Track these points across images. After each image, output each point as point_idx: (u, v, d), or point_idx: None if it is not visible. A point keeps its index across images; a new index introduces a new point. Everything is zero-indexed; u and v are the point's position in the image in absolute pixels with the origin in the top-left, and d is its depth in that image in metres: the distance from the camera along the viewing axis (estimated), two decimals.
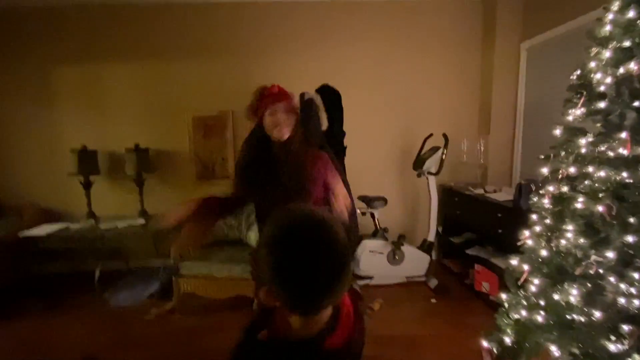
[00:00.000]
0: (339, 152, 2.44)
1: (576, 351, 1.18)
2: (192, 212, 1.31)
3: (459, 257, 3.09)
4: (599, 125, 1.25)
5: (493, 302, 1.93)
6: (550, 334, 1.27)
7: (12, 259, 2.78)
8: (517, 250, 1.50)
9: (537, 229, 1.42)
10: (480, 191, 2.84)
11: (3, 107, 3.23)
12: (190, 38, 3.23)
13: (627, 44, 1.14)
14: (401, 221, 3.45)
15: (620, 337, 1.04)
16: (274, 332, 0.65)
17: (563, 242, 1.25)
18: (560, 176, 1.29)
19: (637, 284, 1.05)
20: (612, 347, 1.05)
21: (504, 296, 1.53)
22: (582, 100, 1.24)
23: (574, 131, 1.28)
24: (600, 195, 1.14)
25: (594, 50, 1.26)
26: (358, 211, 2.92)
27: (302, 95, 2.12)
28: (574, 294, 1.18)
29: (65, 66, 3.22)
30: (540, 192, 1.41)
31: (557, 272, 1.29)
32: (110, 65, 3.23)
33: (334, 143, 2.19)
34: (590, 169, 1.19)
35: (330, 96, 2.45)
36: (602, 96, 1.21)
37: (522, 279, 1.41)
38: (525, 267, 1.42)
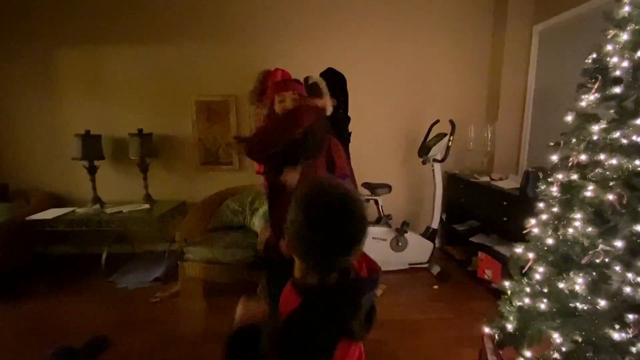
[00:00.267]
0: (344, 138, 2.42)
1: (579, 339, 1.17)
2: None
3: (462, 244, 3.09)
4: (612, 111, 1.21)
5: (495, 290, 1.94)
6: (553, 321, 1.27)
7: (20, 242, 2.83)
8: (522, 238, 1.49)
9: (544, 217, 1.40)
10: (486, 179, 2.81)
11: (7, 92, 3.22)
12: (193, 22, 3.17)
13: None
14: (405, 208, 3.44)
15: (624, 325, 1.04)
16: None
17: (570, 230, 1.23)
18: (570, 164, 1.26)
19: None
20: (616, 336, 1.04)
21: (507, 283, 1.53)
22: (596, 85, 1.20)
23: (587, 117, 1.24)
24: (611, 183, 1.11)
25: (611, 32, 1.20)
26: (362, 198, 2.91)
27: (306, 79, 2.08)
28: (579, 283, 1.17)
29: (68, 49, 3.19)
30: (549, 179, 1.38)
31: (563, 260, 1.28)
32: (113, 49, 3.19)
33: (338, 129, 2.17)
34: (602, 156, 1.15)
35: (335, 80, 2.41)
36: (617, 81, 1.16)
37: (527, 267, 1.41)
38: (530, 255, 1.41)
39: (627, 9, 1.15)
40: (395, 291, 2.65)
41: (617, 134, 1.15)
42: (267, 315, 0.81)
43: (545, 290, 1.35)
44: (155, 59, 3.22)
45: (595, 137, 1.20)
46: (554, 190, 1.35)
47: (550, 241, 1.34)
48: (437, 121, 3.03)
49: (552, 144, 1.39)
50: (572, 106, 1.32)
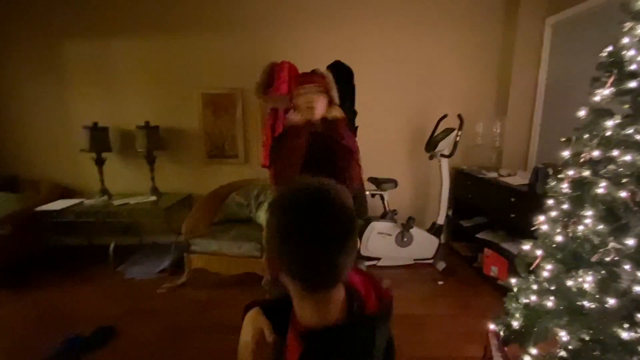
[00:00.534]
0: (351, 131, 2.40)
1: (586, 337, 1.16)
2: None
3: (468, 240, 3.08)
4: (627, 106, 1.18)
5: (501, 287, 1.93)
6: (560, 319, 1.26)
7: (30, 232, 2.89)
8: (530, 235, 1.47)
9: (553, 214, 1.38)
10: (494, 174, 2.78)
11: (17, 85, 3.26)
12: (200, 14, 3.15)
13: None
14: (411, 204, 3.43)
15: (634, 324, 1.02)
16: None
17: (580, 227, 1.21)
18: (582, 160, 1.24)
19: None
20: (625, 335, 1.03)
21: (513, 280, 1.52)
22: (611, 79, 1.17)
23: (600, 112, 1.21)
24: (624, 180, 1.09)
25: (628, 25, 1.17)
26: (367, 193, 2.91)
27: (313, 72, 2.07)
28: (588, 281, 1.16)
29: (77, 41, 3.20)
30: (559, 176, 1.36)
31: (572, 258, 1.26)
32: (121, 41, 3.20)
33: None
34: (615, 152, 1.13)
35: (343, 74, 2.39)
36: (633, 75, 1.13)
37: (535, 264, 1.39)
38: (539, 252, 1.39)
39: None
40: (400, 286, 2.65)
41: (631, 130, 1.12)
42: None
43: (553, 287, 1.33)
44: (162, 52, 3.22)
45: (608, 133, 1.18)
46: (565, 186, 1.33)
47: (559, 238, 1.32)
48: (445, 116, 2.99)
49: (564, 139, 1.36)
50: (585, 101, 1.30)
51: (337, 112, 1.45)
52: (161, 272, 2.83)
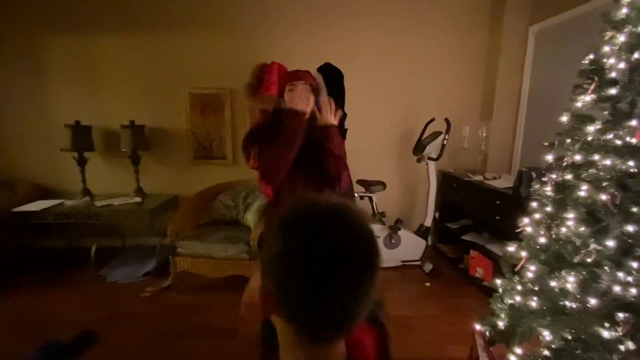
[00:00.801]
0: (341, 133, 2.41)
1: (568, 336, 1.19)
2: None
3: (454, 242, 3.12)
4: (606, 112, 1.22)
5: (486, 287, 1.96)
6: (543, 319, 1.29)
7: (7, 234, 2.77)
8: (514, 237, 1.51)
9: (537, 216, 1.42)
10: (479, 178, 2.83)
11: None
12: (188, 12, 3.11)
13: None
14: (399, 206, 3.46)
15: (614, 324, 1.05)
16: None
17: (563, 229, 1.25)
18: (564, 164, 1.27)
19: (635, 272, 1.05)
20: (606, 334, 1.06)
21: (498, 281, 1.55)
22: (592, 86, 1.21)
23: (582, 118, 1.25)
24: (605, 183, 1.12)
25: (609, 34, 1.21)
26: (356, 195, 2.92)
27: None
28: (570, 281, 1.19)
29: (58, 37, 3.10)
30: (543, 179, 1.40)
31: (555, 259, 1.30)
32: (106, 38, 3.12)
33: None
34: (596, 157, 1.17)
35: (333, 76, 2.39)
36: (613, 82, 1.17)
37: (519, 265, 1.42)
38: (523, 253, 1.43)
39: (624, 10, 1.16)
40: (388, 288, 2.66)
41: (611, 135, 1.16)
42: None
43: (537, 288, 1.36)
44: (149, 49, 3.16)
45: (590, 138, 1.22)
46: (548, 189, 1.37)
47: (542, 240, 1.36)
48: (433, 119, 3.03)
49: (547, 144, 1.40)
50: (567, 107, 1.34)
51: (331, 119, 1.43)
52: (145, 276, 2.76)
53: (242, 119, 3.25)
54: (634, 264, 1.06)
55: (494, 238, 2.65)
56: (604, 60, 1.20)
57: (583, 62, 1.27)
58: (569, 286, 1.20)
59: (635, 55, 1.11)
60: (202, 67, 3.18)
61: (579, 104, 1.27)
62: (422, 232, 3.03)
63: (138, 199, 3.02)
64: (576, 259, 1.18)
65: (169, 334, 2.07)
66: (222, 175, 3.23)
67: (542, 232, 1.37)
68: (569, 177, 1.27)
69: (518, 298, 1.41)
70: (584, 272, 1.18)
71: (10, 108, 3.18)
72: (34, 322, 2.16)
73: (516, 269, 1.46)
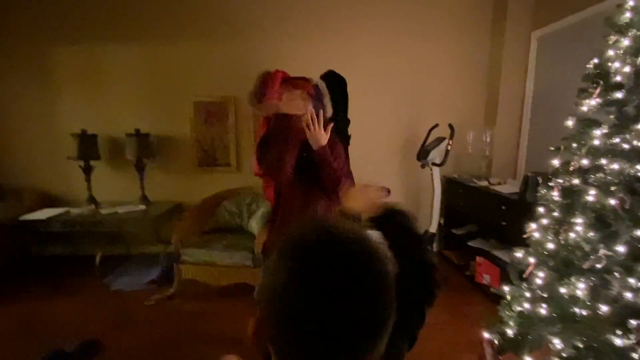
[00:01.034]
0: (344, 140, 2.41)
1: (579, 345, 1.17)
2: None
3: (460, 248, 3.09)
4: (612, 116, 1.21)
5: (493, 294, 1.93)
6: (553, 327, 1.26)
7: (13, 241, 2.79)
8: (521, 243, 1.49)
9: (544, 221, 1.40)
10: (484, 183, 2.82)
11: (3, 89, 3.19)
12: (192, 21, 3.16)
13: None
14: None
15: (626, 331, 1.03)
16: None
17: (572, 235, 1.23)
18: (571, 168, 1.26)
19: None
20: (618, 342, 1.04)
21: (506, 288, 1.52)
22: (598, 90, 1.20)
23: (588, 122, 1.24)
24: (613, 188, 1.11)
25: (613, 38, 1.21)
26: None
27: None
28: (580, 288, 1.17)
29: (66, 47, 3.16)
30: (550, 184, 1.38)
31: (564, 265, 1.28)
32: (111, 47, 3.17)
33: (338, 131, 2.16)
34: (604, 161, 1.16)
35: (336, 83, 2.40)
36: (618, 86, 1.17)
37: (527, 272, 1.40)
38: (531, 259, 1.41)
39: (628, 15, 1.16)
40: None
41: (617, 139, 1.15)
42: None
43: (546, 295, 1.34)
44: (153, 59, 3.20)
45: (596, 142, 1.21)
46: (555, 194, 1.36)
47: (550, 246, 1.34)
48: (436, 125, 3.03)
49: (553, 148, 1.39)
50: (572, 111, 1.33)
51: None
52: (149, 284, 2.76)
53: (245, 126, 3.27)
54: None
55: (501, 244, 2.63)
56: (609, 64, 1.19)
57: (587, 66, 1.27)
58: (579, 293, 1.18)
59: None
60: (206, 75, 3.22)
61: (584, 108, 1.27)
62: (427, 238, 3.00)
63: (143, 207, 3.04)
64: (586, 265, 1.16)
65: (174, 342, 2.05)
66: (226, 182, 3.24)
67: (550, 238, 1.35)
68: (576, 181, 1.26)
69: (527, 305, 1.39)
70: (593, 279, 1.16)
71: (18, 117, 3.23)
72: (39, 330, 2.16)
73: (524, 276, 1.43)
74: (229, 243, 2.57)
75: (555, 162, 1.36)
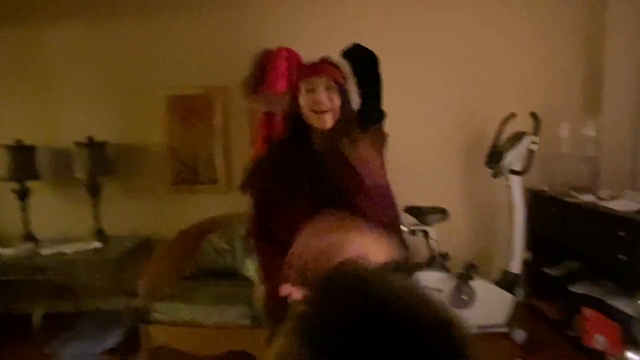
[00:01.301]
0: (377, 143, 2.43)
1: None
2: None
3: (557, 296, 3.02)
4: None
5: None
6: None
7: None
8: None
9: None
10: (590, 198, 2.77)
11: None
12: None
13: None
14: (469, 243, 3.40)
15: None
16: None
17: None
18: None
19: None
20: None
21: (632, 356, 1.47)
22: None
23: None
24: None
25: None
26: (405, 229, 2.89)
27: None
28: None
29: None
30: None
31: None
32: (54, 29, 3.33)
33: (368, 129, 2.18)
34: None
35: (363, 62, 2.44)
36: None
37: None
38: None
39: None
40: None
41: None
42: None
43: None
44: (112, 42, 3.35)
45: None
46: None
47: None
48: (513, 115, 3.01)
49: None
50: None
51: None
52: (107, 353, 2.79)
53: (238, 127, 3.33)
54: None
55: (619, 289, 2.56)
56: None
57: None
58: None
59: None
60: (184, 60, 3.33)
61: None
62: (507, 282, 2.94)
63: (98, 245, 3.11)
64: None
65: None
66: (212, 206, 3.29)
67: None
68: None
69: None
70: None
71: None
72: None
73: None
74: (218, 294, 2.58)
75: None
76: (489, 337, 2.90)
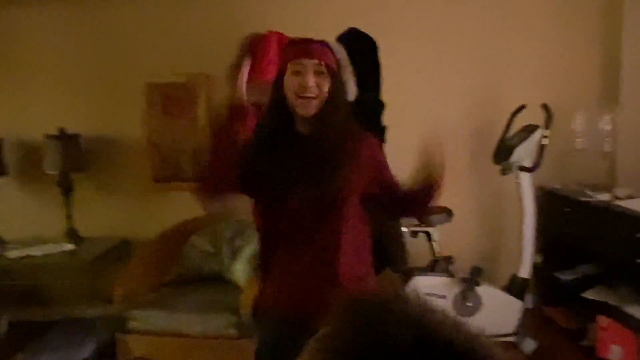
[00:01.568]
0: (376, 134, 2.41)
1: None
2: None
3: (570, 303, 3.05)
4: None
5: None
6: None
7: None
8: None
9: None
10: (606, 197, 2.77)
11: None
12: None
13: None
14: (475, 246, 3.40)
15: None
16: None
17: None
18: None
19: None
20: None
21: None
22: None
23: None
24: None
25: None
26: (406, 230, 2.88)
27: None
28: None
29: None
30: None
31: None
32: (24, 11, 3.30)
33: (366, 121, 2.16)
34: None
35: (360, 47, 2.43)
36: None
37: None
38: None
39: None
40: None
41: None
42: None
43: None
44: (86, 25, 3.32)
45: None
46: None
47: None
48: (522, 107, 3.01)
49: None
50: None
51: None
52: None
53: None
54: None
55: (637, 295, 2.56)
56: None
57: None
58: None
59: None
60: (164, 44, 3.30)
61: None
62: (515, 287, 2.95)
63: (70, 247, 3.09)
64: None
65: None
66: (196, 205, 3.24)
67: None
68: None
69: None
70: None
71: None
72: None
73: None
74: (202, 301, 2.58)
75: None
76: None
